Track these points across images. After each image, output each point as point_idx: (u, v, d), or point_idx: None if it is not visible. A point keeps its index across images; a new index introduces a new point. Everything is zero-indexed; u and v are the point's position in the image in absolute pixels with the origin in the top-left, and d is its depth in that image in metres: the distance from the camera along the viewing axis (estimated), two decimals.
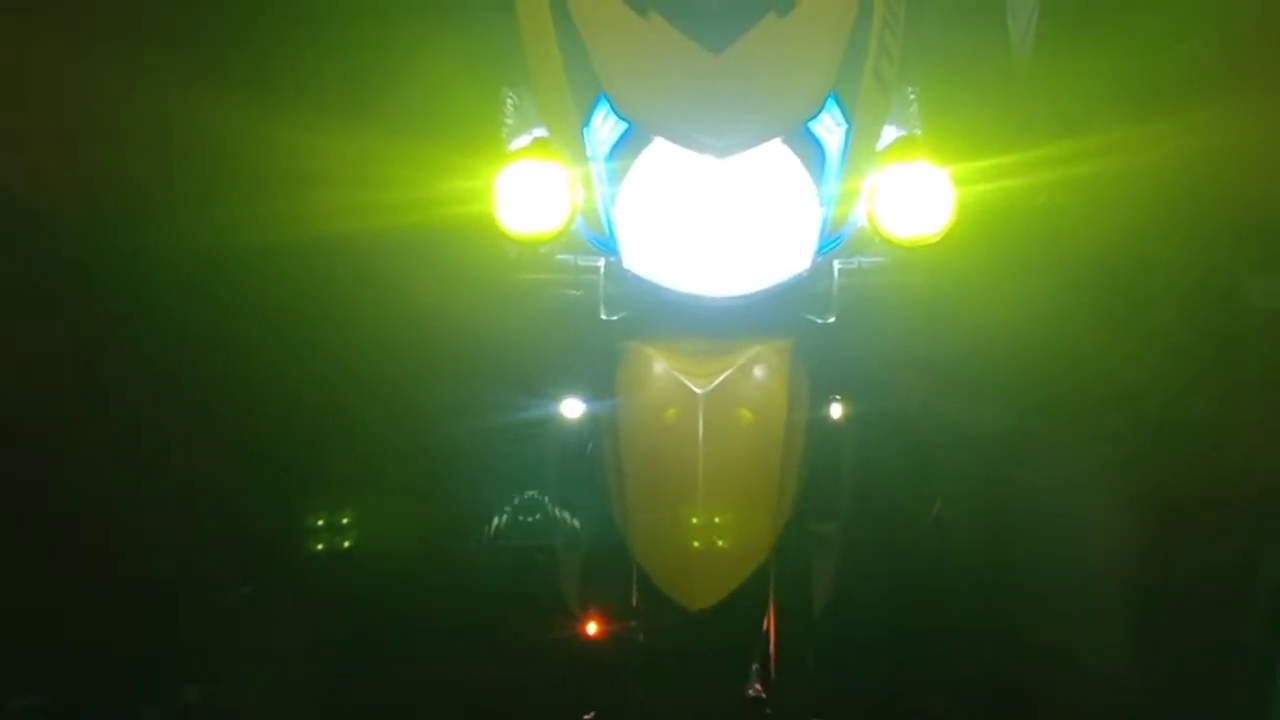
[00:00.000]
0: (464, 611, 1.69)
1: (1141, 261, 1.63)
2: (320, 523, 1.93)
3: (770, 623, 1.30)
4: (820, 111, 1.09)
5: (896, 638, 1.61)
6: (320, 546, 1.97)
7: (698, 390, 1.12)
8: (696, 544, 1.12)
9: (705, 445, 1.10)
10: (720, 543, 1.12)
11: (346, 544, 1.95)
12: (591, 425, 1.33)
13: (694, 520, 1.11)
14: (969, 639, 1.73)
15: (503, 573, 1.51)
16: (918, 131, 1.26)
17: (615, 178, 1.11)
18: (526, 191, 1.13)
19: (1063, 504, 1.79)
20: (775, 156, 1.09)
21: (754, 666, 1.31)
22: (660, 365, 1.14)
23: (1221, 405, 1.92)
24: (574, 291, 1.22)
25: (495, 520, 1.45)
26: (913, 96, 1.28)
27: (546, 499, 1.42)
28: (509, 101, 1.29)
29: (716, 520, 1.11)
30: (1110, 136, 1.43)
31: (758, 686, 1.32)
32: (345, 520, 1.92)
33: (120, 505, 1.84)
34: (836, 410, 1.33)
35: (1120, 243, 1.56)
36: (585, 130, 1.12)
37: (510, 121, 1.28)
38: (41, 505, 1.80)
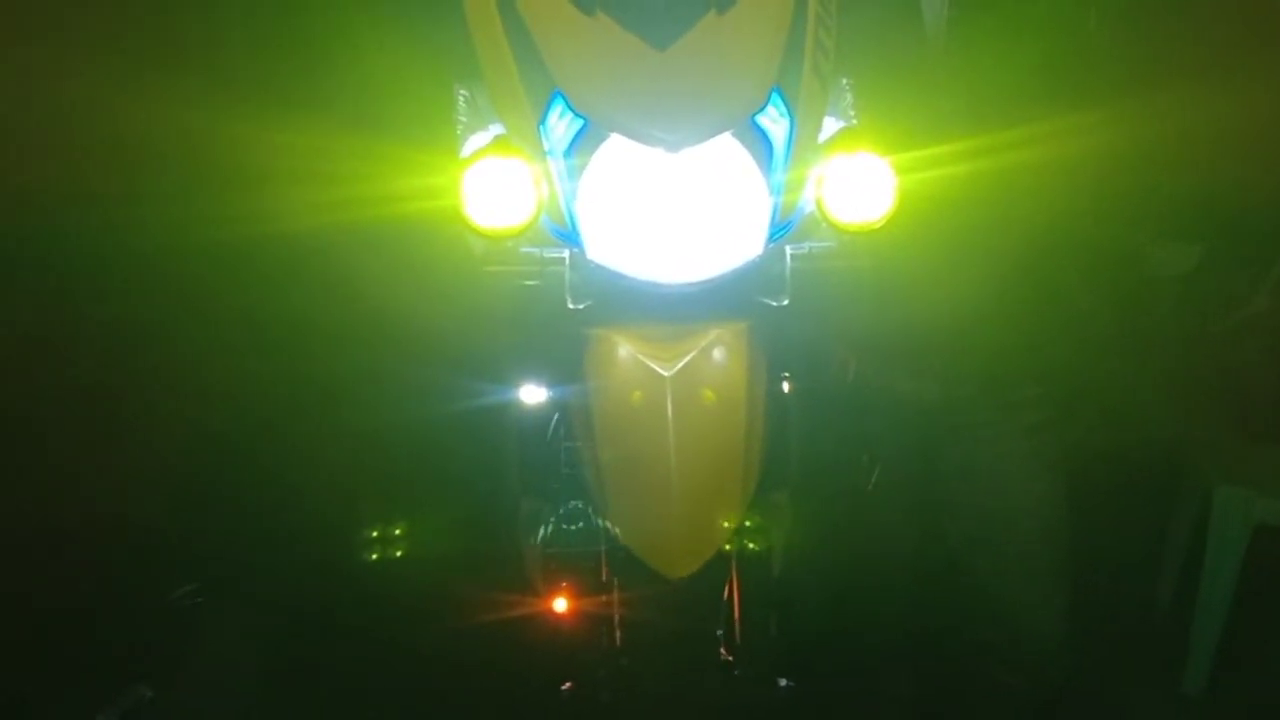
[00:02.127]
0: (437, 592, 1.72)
1: (1055, 238, 1.73)
2: (274, 517, 1.94)
3: (733, 589, 1.36)
4: (765, 105, 1.15)
5: (847, 597, 1.69)
6: (271, 540, 1.97)
7: (664, 373, 1.17)
8: (674, 518, 1.17)
9: (674, 425, 1.15)
10: (695, 515, 1.18)
11: (301, 537, 1.96)
12: (557, 409, 1.38)
13: (670, 495, 1.16)
14: (911, 594, 1.82)
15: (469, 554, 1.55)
16: (854, 120, 1.33)
17: (575, 173, 1.15)
18: (494, 188, 1.16)
19: (988, 469, 1.88)
20: (725, 149, 1.15)
21: (720, 632, 1.37)
22: (626, 350, 1.19)
23: (1133, 371, 2.05)
24: (540, 282, 1.26)
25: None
26: (847, 85, 1.35)
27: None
28: (461, 98, 1.33)
29: (691, 494, 1.17)
30: (1023, 119, 1.50)
31: (722, 651, 1.38)
32: (304, 512, 1.92)
33: (67, 502, 1.83)
34: (788, 387, 1.40)
35: (1036, 222, 1.65)
36: (542, 127, 1.16)
37: (464, 119, 1.32)
38: None
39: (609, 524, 1.25)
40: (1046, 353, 1.79)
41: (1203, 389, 2.30)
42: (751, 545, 1.37)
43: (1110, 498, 2.13)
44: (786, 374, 1.40)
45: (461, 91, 1.32)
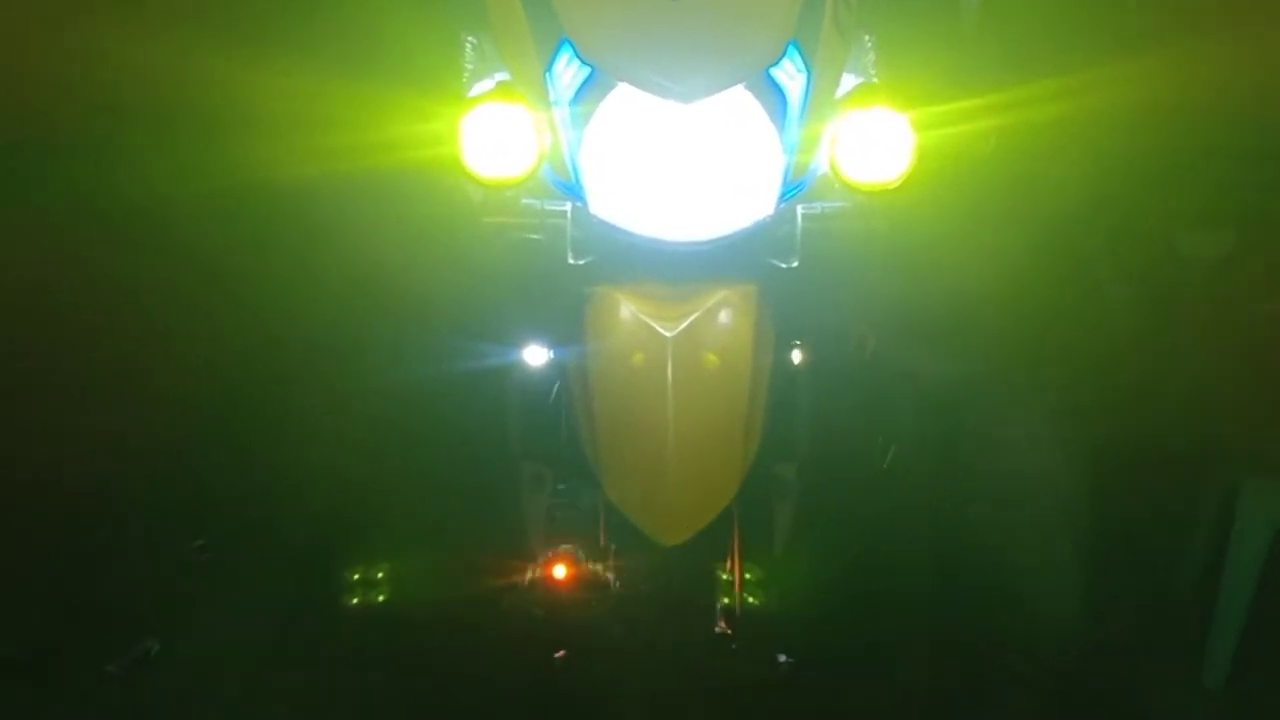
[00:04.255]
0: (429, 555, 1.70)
1: (1084, 209, 1.68)
2: (277, 472, 1.92)
3: (735, 562, 1.33)
4: (781, 58, 1.10)
5: (857, 578, 1.66)
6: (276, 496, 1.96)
7: (666, 334, 1.13)
8: (668, 483, 1.14)
9: (674, 389, 1.12)
10: (691, 481, 1.15)
11: (305, 493, 1.95)
12: (558, 369, 1.34)
13: (666, 460, 1.12)
14: (925, 579, 1.78)
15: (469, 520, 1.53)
16: (875, 78, 1.28)
17: (580, 123, 1.11)
18: (494, 135, 1.13)
19: (1008, 454, 1.84)
20: (738, 103, 1.10)
21: (719, 605, 1.34)
22: (627, 310, 1.15)
23: (1159, 356, 1.99)
24: (541, 236, 1.22)
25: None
26: (869, 43, 1.30)
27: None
28: (468, 45, 1.29)
29: (687, 460, 1.13)
30: (1055, 83, 1.45)
31: (723, 624, 1.35)
32: (303, 468, 1.90)
33: (72, 459, 1.82)
34: (797, 355, 1.36)
35: (1066, 192, 1.61)
36: (548, 75, 1.12)
37: (470, 66, 1.28)
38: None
39: (606, 489, 1.21)
40: (1072, 334, 1.75)
41: (1232, 379, 2.24)
42: (754, 519, 1.33)
43: (1133, 488, 2.08)
44: (797, 342, 1.36)
45: (469, 38, 1.29)
